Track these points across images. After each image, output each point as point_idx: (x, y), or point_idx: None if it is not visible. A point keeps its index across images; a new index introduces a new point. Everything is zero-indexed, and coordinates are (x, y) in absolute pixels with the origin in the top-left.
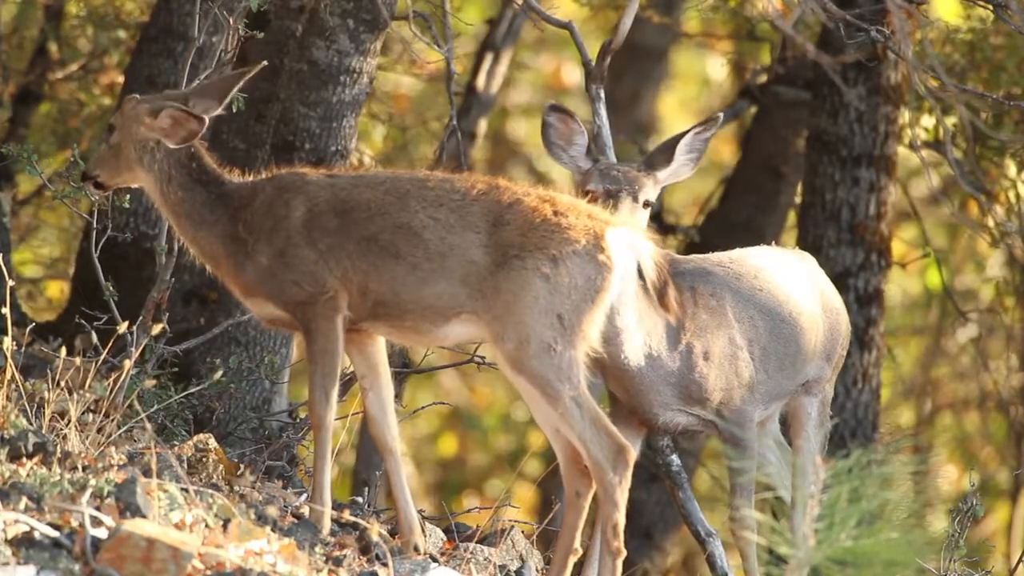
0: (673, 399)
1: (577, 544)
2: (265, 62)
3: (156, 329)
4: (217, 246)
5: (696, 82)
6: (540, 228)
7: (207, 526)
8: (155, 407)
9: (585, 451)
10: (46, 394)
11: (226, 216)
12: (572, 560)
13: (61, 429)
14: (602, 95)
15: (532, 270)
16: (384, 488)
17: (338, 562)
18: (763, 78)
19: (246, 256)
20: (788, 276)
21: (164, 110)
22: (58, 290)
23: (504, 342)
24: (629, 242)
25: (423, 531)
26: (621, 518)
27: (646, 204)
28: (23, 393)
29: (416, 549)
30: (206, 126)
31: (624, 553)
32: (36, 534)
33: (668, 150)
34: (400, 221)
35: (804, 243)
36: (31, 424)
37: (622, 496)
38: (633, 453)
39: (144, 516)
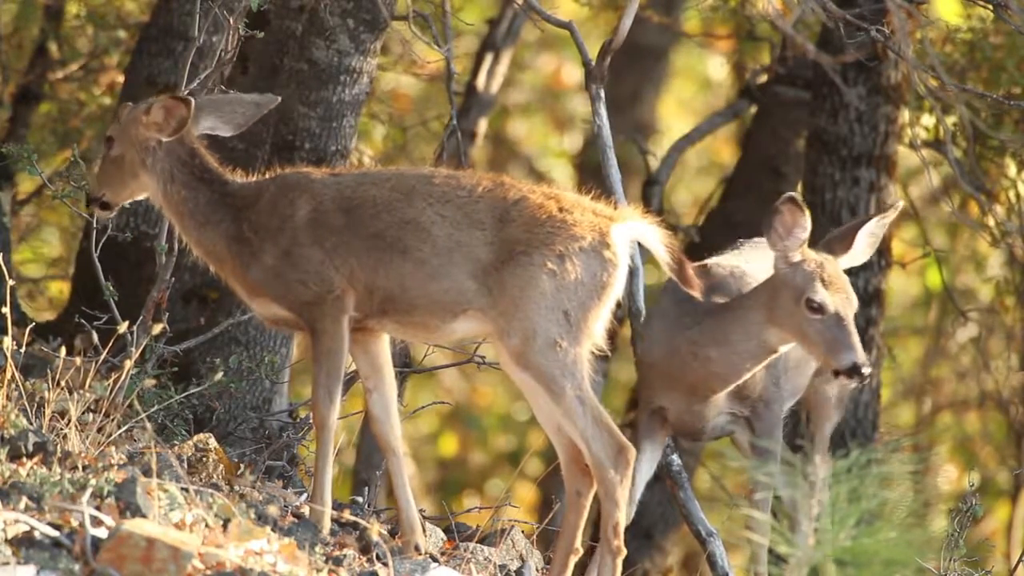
0: (726, 403)
1: (578, 544)
2: (279, 98)
3: (156, 329)
4: (221, 246)
5: (696, 82)
6: (546, 225)
7: (207, 526)
8: (155, 407)
9: (587, 449)
10: (46, 394)
11: (230, 216)
12: (573, 560)
13: (61, 429)
14: (602, 95)
15: (539, 266)
16: (384, 488)
17: (338, 562)
18: (763, 78)
19: (251, 256)
20: None
21: (154, 104)
22: (58, 290)
23: (509, 337)
24: (636, 232)
25: (424, 531)
26: (622, 517)
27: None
28: (23, 393)
29: (417, 549)
30: (192, 107)
31: (624, 552)
32: (36, 534)
33: (848, 236)
34: (407, 217)
35: None
36: (31, 424)
37: (623, 495)
38: (634, 452)
39: (144, 516)
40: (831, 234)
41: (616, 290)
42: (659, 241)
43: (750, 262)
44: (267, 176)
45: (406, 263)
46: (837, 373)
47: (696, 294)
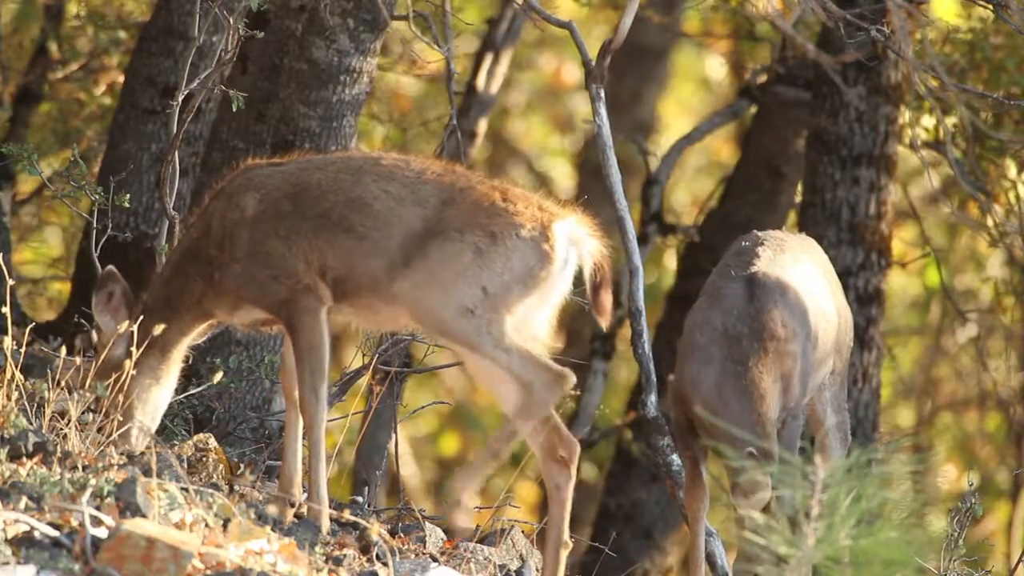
0: None
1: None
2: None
3: (156, 330)
4: (209, 290)
5: (696, 82)
6: (487, 210)
7: (207, 526)
8: None
9: (517, 377)
10: (46, 394)
11: (198, 269)
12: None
13: (61, 429)
14: (602, 95)
15: (467, 244)
16: (384, 488)
17: (338, 562)
18: (763, 78)
19: (221, 270)
20: (819, 264)
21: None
22: (58, 290)
23: (422, 305)
24: (575, 236)
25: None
26: (562, 427)
27: None
28: (23, 393)
29: (291, 504)
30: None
31: (573, 478)
32: (36, 534)
33: None
34: (352, 195)
35: None
36: (31, 424)
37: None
38: (573, 378)
39: (144, 516)
40: None
41: (555, 285)
42: (590, 255)
43: (785, 270)
44: (207, 198)
45: (350, 240)
46: None
47: (603, 323)
